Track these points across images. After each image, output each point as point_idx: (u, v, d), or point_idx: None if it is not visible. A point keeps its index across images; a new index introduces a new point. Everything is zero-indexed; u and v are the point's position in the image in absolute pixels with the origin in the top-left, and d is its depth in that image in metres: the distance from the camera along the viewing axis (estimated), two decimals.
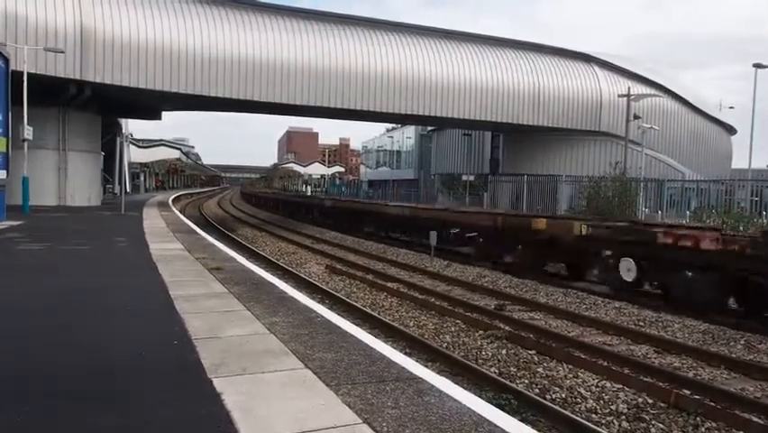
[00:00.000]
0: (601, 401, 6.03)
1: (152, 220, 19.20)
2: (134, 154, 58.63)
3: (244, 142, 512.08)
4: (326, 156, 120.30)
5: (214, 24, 25.66)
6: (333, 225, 28.08)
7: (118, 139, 36.61)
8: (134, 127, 62.25)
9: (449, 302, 10.82)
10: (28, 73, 20.07)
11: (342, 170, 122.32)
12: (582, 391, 6.30)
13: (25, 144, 20.51)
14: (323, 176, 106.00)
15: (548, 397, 6.12)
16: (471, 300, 11.03)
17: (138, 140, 61.47)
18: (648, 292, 11.74)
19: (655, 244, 11.06)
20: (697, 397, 5.98)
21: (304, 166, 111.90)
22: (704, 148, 41.44)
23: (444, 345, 8.05)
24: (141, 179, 61.86)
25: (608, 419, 5.63)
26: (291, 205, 41.28)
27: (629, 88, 31.84)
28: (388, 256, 17.73)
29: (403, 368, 4.20)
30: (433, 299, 11.06)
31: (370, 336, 5.33)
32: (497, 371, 6.98)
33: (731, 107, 47.00)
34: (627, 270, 11.59)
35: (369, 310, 9.86)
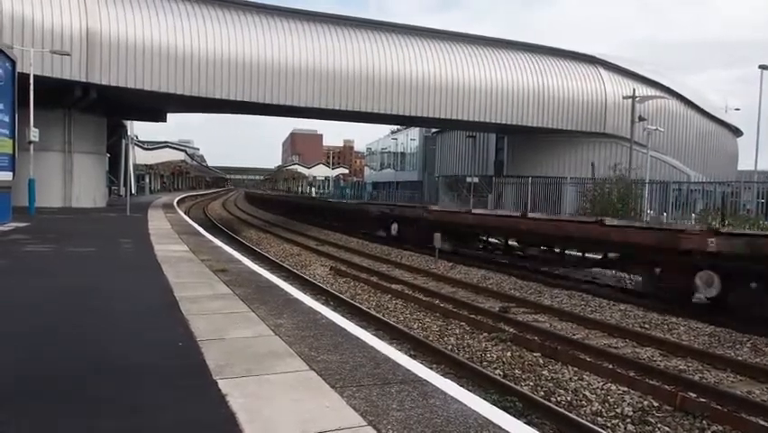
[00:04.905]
0: (607, 404, 6.01)
1: (157, 222, 19.26)
2: (139, 156, 58.73)
3: (249, 144, 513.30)
4: (330, 158, 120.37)
5: (219, 27, 25.74)
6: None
7: (123, 141, 36.75)
8: (139, 129, 62.41)
9: (453, 304, 10.80)
10: (34, 75, 20.19)
11: (347, 171, 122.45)
12: (588, 393, 6.28)
13: (31, 146, 20.59)
14: (327, 178, 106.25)
15: (553, 400, 6.10)
16: (476, 302, 11.01)
17: (143, 142, 61.63)
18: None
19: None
20: (703, 400, 5.96)
21: (308, 168, 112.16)
22: (710, 150, 41.30)
23: (449, 347, 8.04)
24: (147, 180, 62.06)
25: (613, 421, 5.61)
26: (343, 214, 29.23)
27: (634, 90, 31.74)
28: (393, 258, 17.71)
29: (408, 370, 4.20)
30: (437, 301, 11.04)
31: (374, 337, 5.33)
32: (501, 373, 6.96)
33: (737, 109, 46.83)
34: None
35: (374, 312, 9.86)
